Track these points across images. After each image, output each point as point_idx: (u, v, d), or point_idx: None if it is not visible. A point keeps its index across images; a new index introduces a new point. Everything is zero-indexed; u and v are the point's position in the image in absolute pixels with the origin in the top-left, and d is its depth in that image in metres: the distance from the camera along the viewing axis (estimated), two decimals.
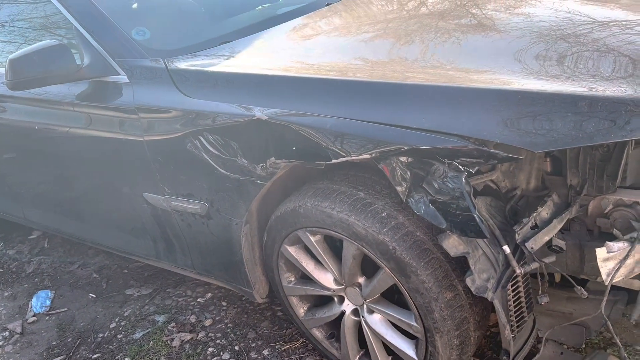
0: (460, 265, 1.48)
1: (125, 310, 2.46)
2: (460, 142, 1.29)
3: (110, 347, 2.25)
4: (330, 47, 1.87)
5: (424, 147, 1.31)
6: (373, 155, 1.38)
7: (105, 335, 2.33)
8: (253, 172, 1.65)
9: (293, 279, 1.88)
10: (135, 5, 2.40)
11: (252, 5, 2.56)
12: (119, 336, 2.30)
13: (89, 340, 2.32)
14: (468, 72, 1.48)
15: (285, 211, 1.70)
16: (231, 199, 1.76)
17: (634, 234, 1.43)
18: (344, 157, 1.42)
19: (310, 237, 1.67)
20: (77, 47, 2.02)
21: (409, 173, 1.38)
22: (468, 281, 1.40)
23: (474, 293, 1.41)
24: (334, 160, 1.45)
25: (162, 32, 2.09)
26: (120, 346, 2.24)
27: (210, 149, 1.70)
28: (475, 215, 1.29)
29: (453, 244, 1.39)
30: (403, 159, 1.38)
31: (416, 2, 2.27)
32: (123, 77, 1.89)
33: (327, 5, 2.30)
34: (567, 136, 1.26)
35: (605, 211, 1.54)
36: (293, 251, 1.77)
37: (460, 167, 1.31)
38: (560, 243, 1.51)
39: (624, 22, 1.73)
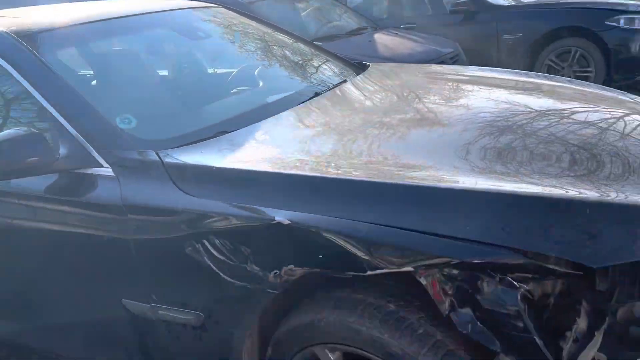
0: None
1: None
2: (515, 256, 1.21)
3: None
4: (340, 142, 1.78)
5: (476, 261, 1.22)
6: (416, 267, 1.26)
7: None
8: (264, 280, 1.47)
9: None
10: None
11: (227, 89, 2.47)
12: None
13: None
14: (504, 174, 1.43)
15: (299, 324, 1.52)
16: (235, 309, 1.56)
17: None
18: (382, 269, 1.29)
19: (330, 354, 1.49)
20: (51, 133, 1.81)
21: (452, 287, 1.27)
22: None
23: None
24: (369, 272, 1.32)
25: (148, 120, 1.93)
26: None
27: (215, 253, 1.51)
28: (537, 339, 1.18)
29: None
30: (447, 271, 1.27)
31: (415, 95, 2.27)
32: (107, 170, 1.69)
33: (316, 95, 2.23)
34: (626, 249, 1.21)
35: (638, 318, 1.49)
36: None
37: (514, 283, 1.21)
38: (602, 357, 1.43)
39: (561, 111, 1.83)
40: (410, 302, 1.43)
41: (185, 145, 1.72)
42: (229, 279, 1.51)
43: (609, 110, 1.91)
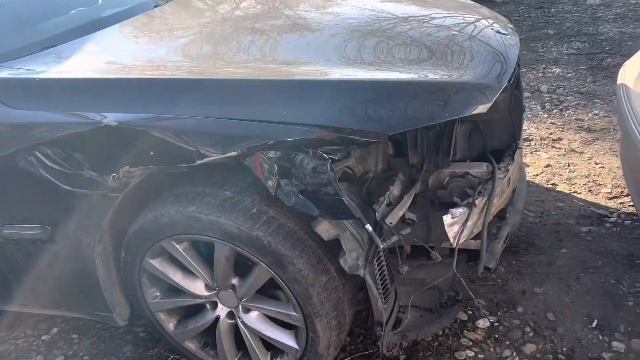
0: (330, 248, 1.55)
1: None
2: (322, 132, 1.36)
3: None
4: (170, 48, 1.81)
5: (289, 140, 1.36)
6: (240, 152, 1.38)
7: None
8: (103, 185, 1.52)
9: (158, 293, 1.78)
10: None
11: (67, 9, 2.36)
12: None
13: None
14: (314, 66, 1.57)
15: (145, 222, 1.60)
16: (80, 217, 1.60)
17: (470, 200, 1.65)
18: (210, 157, 1.39)
19: (177, 245, 1.60)
20: None
21: (275, 166, 1.41)
22: (342, 262, 1.48)
23: (348, 272, 1.49)
24: (198, 162, 1.41)
25: None
26: None
27: (50, 164, 1.52)
28: (344, 199, 1.37)
29: (325, 229, 1.46)
30: (269, 153, 1.40)
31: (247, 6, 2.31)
32: None
33: (155, 6, 2.22)
34: (413, 118, 1.42)
35: (444, 183, 1.75)
36: (157, 264, 1.67)
37: (324, 155, 1.37)
38: (412, 216, 1.68)
39: (420, 17, 2.00)
40: (246, 188, 1.56)
41: (6, 61, 1.67)
42: (68, 188, 1.54)
43: (463, 16, 2.07)
